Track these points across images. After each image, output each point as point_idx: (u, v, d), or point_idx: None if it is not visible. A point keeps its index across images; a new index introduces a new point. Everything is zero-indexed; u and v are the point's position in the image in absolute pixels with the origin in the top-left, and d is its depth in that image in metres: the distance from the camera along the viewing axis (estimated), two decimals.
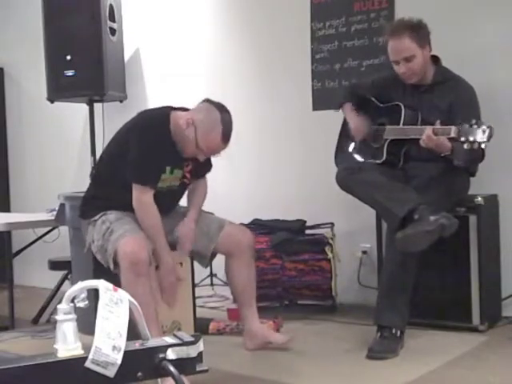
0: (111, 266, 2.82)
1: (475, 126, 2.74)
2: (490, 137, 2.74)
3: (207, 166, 3.18)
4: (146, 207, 2.88)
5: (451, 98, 3.17)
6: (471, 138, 2.74)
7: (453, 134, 2.84)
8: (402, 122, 3.20)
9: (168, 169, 2.96)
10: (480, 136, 2.73)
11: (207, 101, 2.95)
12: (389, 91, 3.36)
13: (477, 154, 3.03)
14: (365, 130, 3.37)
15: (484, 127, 2.74)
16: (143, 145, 2.88)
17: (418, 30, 3.16)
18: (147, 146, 2.87)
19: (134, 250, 2.73)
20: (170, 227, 3.00)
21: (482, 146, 2.75)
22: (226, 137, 2.90)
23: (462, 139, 2.77)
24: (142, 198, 2.87)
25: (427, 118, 3.06)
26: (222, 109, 2.91)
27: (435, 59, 3.28)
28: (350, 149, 3.50)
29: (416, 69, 3.19)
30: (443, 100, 3.18)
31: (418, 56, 3.16)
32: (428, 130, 2.93)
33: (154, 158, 2.88)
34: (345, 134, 3.54)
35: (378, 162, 3.25)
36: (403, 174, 3.25)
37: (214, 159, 3.14)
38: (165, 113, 2.97)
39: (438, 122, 2.95)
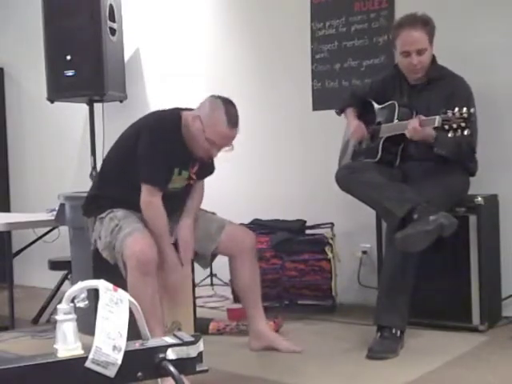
0: (119, 264, 2.81)
1: (457, 114, 2.80)
2: (471, 123, 2.78)
3: (210, 167, 3.18)
4: (154, 208, 2.87)
5: (448, 94, 3.17)
6: (454, 125, 2.80)
7: (437, 124, 2.88)
8: (395, 118, 3.22)
9: (176, 170, 2.97)
10: (462, 124, 2.78)
11: (211, 96, 2.96)
12: (386, 91, 3.38)
13: (464, 147, 3.05)
14: (363, 133, 3.38)
15: (465, 114, 2.78)
16: (156, 145, 2.87)
17: (429, 25, 3.20)
18: (159, 146, 2.86)
19: (143, 249, 2.73)
20: (170, 226, 3.00)
21: (465, 132, 2.78)
22: (232, 121, 2.87)
23: (446, 127, 2.81)
24: (151, 199, 2.87)
25: (424, 116, 3.07)
26: (224, 99, 2.92)
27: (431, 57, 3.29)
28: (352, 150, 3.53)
29: (426, 63, 3.21)
30: (439, 97, 3.19)
31: (428, 50, 3.20)
32: (414, 121, 2.98)
33: (166, 159, 2.87)
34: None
35: (373, 160, 3.26)
36: (402, 174, 3.25)
37: (215, 159, 3.13)
38: (176, 114, 2.97)
39: (421, 115, 2.98)
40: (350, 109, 3.54)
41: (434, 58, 3.30)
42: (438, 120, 2.88)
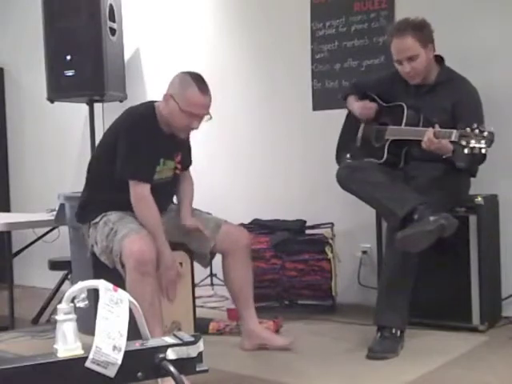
0: (118, 266, 2.81)
1: (476, 131, 2.72)
2: (491, 143, 2.72)
3: (189, 157, 3.22)
4: (144, 202, 2.89)
5: (454, 98, 3.15)
6: (472, 144, 2.72)
7: (454, 138, 2.82)
8: (403, 122, 3.19)
9: (162, 160, 2.99)
10: (481, 142, 2.71)
11: (178, 73, 3.01)
12: (392, 90, 3.35)
13: (478, 157, 3.03)
14: (371, 110, 3.35)
15: (486, 133, 2.71)
16: (133, 140, 2.89)
17: (421, 30, 3.16)
18: (137, 140, 2.89)
19: (141, 249, 2.73)
20: (168, 226, 3.00)
21: (483, 151, 2.74)
22: (202, 88, 2.91)
23: (463, 143, 2.75)
24: (140, 192, 2.88)
25: (430, 119, 3.06)
26: (191, 72, 2.97)
27: (439, 59, 3.27)
28: (352, 147, 3.51)
29: (420, 68, 3.18)
30: (446, 100, 3.17)
31: (422, 55, 3.16)
32: (429, 132, 2.91)
33: (146, 151, 2.89)
34: (347, 132, 3.54)
35: (378, 161, 3.24)
36: (404, 174, 3.24)
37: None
38: (150, 106, 3.02)
39: (437, 125, 2.93)
40: (351, 96, 3.51)
41: (442, 60, 3.28)
42: (455, 134, 2.81)
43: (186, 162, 3.19)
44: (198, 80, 2.92)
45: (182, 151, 3.10)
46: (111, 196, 2.94)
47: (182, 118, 2.92)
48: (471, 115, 2.96)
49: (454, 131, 2.81)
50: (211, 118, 2.96)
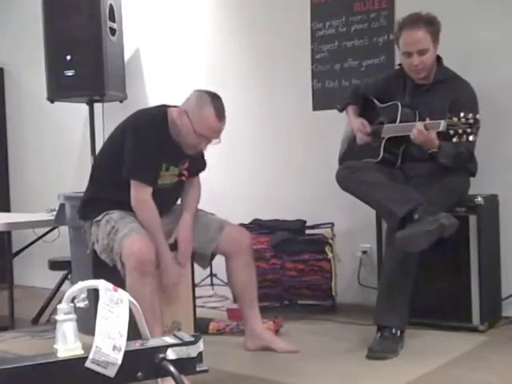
0: (118, 265, 2.82)
1: (463, 120, 2.80)
2: (477, 130, 2.78)
3: (202, 163, 3.19)
4: (144, 204, 2.88)
5: (452, 97, 3.16)
6: (460, 131, 2.80)
7: (442, 128, 2.88)
8: (398, 119, 3.21)
9: (164, 166, 2.97)
10: (467, 130, 2.79)
11: (196, 90, 2.96)
12: (390, 91, 3.36)
13: (464, 155, 3.06)
14: (367, 131, 3.37)
15: (471, 120, 2.78)
16: (141, 142, 2.88)
17: (433, 25, 3.18)
18: (145, 143, 2.87)
19: (141, 249, 2.73)
20: (168, 228, 3.00)
21: (470, 138, 2.79)
22: (219, 112, 2.87)
23: (451, 132, 2.81)
24: (140, 195, 2.87)
25: (425, 117, 3.06)
26: (210, 92, 2.93)
27: (437, 58, 3.28)
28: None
29: (428, 63, 3.20)
30: (443, 99, 3.18)
31: (431, 51, 3.18)
32: (419, 124, 2.97)
33: (152, 155, 2.88)
34: (348, 141, 3.55)
35: (375, 160, 3.25)
36: (403, 174, 3.25)
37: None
38: (162, 111, 2.98)
39: (428, 118, 2.98)
40: (351, 107, 3.53)
41: (439, 60, 3.29)
42: (443, 124, 2.87)
43: (197, 167, 3.14)
44: (215, 103, 2.88)
45: (190, 158, 3.05)
46: (114, 195, 2.94)
47: (193, 138, 2.90)
48: (467, 111, 2.98)
49: (442, 121, 2.89)
50: (220, 141, 2.94)
